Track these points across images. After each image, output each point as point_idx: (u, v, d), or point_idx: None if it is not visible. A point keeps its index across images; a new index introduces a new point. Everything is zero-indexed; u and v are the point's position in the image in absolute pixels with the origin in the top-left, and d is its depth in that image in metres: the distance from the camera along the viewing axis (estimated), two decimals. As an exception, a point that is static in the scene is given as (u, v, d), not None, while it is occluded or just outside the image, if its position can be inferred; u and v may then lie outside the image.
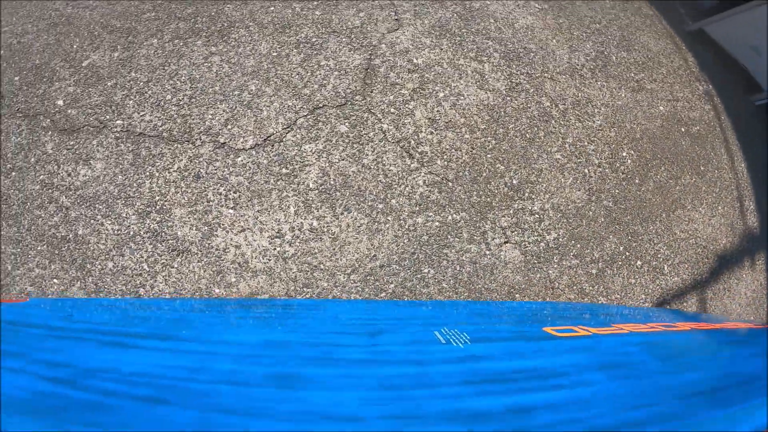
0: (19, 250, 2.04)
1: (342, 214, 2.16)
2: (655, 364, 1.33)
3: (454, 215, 2.25)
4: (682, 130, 3.00)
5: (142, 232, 2.06)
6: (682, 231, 2.70)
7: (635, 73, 3.10)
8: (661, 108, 3.03)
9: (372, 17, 2.76)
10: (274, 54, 2.52)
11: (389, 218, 2.18)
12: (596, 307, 2.28)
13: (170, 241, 2.05)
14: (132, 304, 1.81)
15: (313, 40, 2.60)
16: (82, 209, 2.09)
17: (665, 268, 2.58)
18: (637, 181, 2.67)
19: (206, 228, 2.08)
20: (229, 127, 2.26)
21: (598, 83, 2.93)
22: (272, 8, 2.73)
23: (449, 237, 2.21)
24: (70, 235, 2.05)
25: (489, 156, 2.42)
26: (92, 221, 2.07)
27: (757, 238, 3.00)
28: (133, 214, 2.08)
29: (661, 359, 1.39)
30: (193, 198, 2.12)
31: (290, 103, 2.34)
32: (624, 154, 2.71)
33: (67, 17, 2.66)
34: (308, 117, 2.32)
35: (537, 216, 2.38)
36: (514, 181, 2.41)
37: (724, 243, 2.85)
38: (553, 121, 2.63)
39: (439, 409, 0.96)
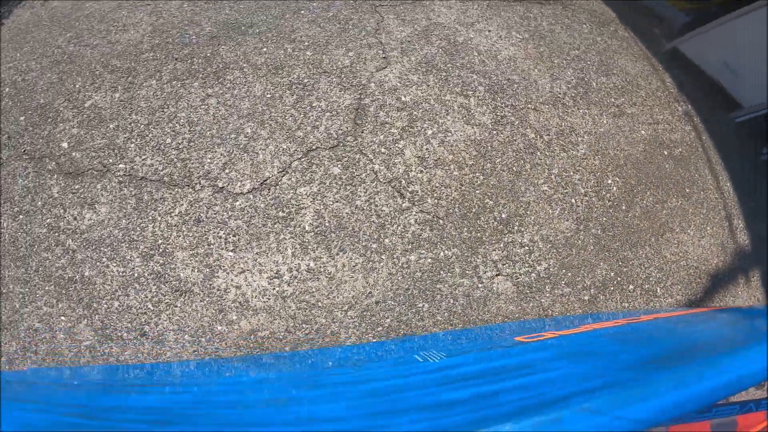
0: (27, 289, 2.09)
1: (338, 254, 2.22)
2: (615, 347, 1.44)
3: (446, 251, 2.31)
4: (665, 153, 3.06)
5: (146, 274, 2.12)
6: (672, 254, 2.75)
7: (615, 98, 3.17)
8: (643, 132, 3.09)
9: (361, 56, 2.83)
10: (268, 96, 2.59)
11: (383, 257, 2.24)
12: (571, 317, 2.35)
13: (173, 282, 2.11)
14: (124, 369, 1.90)
15: (305, 81, 2.67)
16: (88, 252, 2.15)
17: (658, 290, 2.63)
18: (623, 207, 2.73)
19: (207, 270, 2.14)
20: (227, 171, 2.33)
21: (580, 111, 3.00)
22: (265, 49, 2.81)
23: (442, 272, 2.27)
24: (77, 276, 2.11)
25: (478, 192, 2.49)
26: (98, 263, 2.13)
27: (750, 255, 3.04)
28: (137, 257, 2.14)
29: (620, 343, 1.48)
30: (195, 242, 2.18)
31: (285, 146, 2.41)
32: (609, 181, 2.77)
33: (69, 55, 2.73)
34: (302, 160, 2.38)
35: (527, 248, 2.43)
36: (503, 215, 2.47)
37: (716, 262, 2.89)
38: (538, 153, 2.70)
39: (413, 404, 1.08)
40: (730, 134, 3.46)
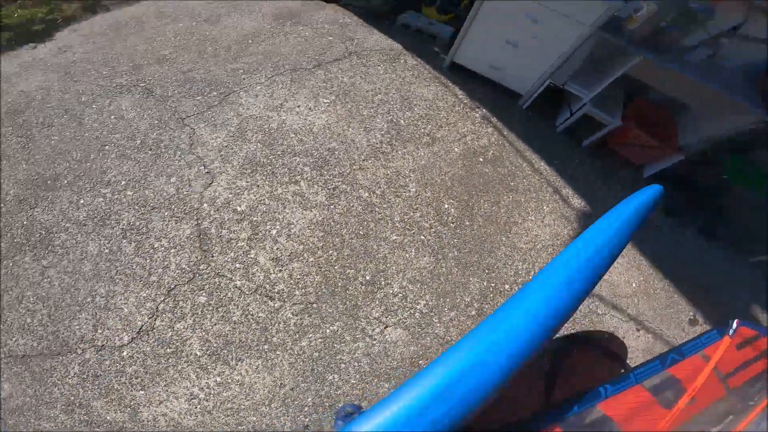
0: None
1: (237, 364, 2.67)
2: None
3: (331, 327, 2.87)
4: (481, 159, 3.89)
5: (76, 423, 2.42)
6: (526, 242, 3.51)
7: (424, 128, 3.94)
8: (456, 150, 3.89)
9: (184, 179, 3.27)
10: (106, 251, 2.90)
11: (278, 352, 2.74)
12: None
13: (105, 425, 2.43)
14: None
15: (137, 224, 3.02)
16: (15, 417, 2.40)
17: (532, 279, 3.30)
18: (467, 222, 3.48)
19: (129, 409, 2.48)
20: (100, 331, 2.65)
21: (399, 152, 3.73)
22: (82, 201, 3.06)
23: (336, 345, 2.82)
24: (16, 434, 2.40)
25: (337, 267, 3.09)
26: (29, 423, 2.40)
27: (591, 213, 3.81)
28: (60, 414, 2.43)
29: None
30: (103, 392, 2.51)
31: (145, 294, 2.80)
32: (446, 206, 3.52)
33: None
34: (167, 300, 2.80)
35: (400, 295, 3.06)
36: (368, 277, 3.09)
37: (567, 232, 3.66)
38: (377, 208, 3.39)
39: None
40: (524, 120, 4.36)
